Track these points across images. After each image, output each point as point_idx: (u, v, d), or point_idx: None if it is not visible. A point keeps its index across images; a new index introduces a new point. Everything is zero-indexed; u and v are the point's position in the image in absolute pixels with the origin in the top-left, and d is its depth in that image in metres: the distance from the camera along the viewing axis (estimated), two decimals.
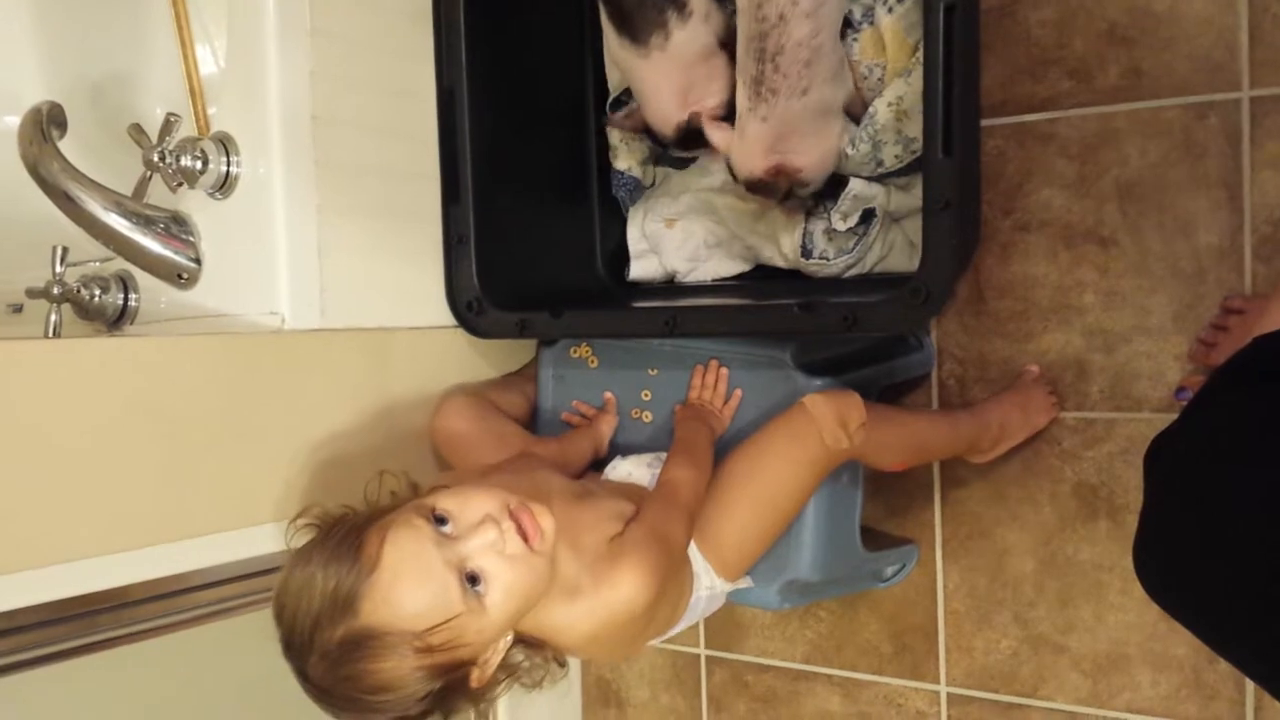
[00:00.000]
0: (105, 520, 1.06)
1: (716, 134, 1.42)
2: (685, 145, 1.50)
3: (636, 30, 1.41)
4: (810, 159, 1.39)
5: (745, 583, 1.30)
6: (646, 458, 1.33)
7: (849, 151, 1.41)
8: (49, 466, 1.02)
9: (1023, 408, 1.46)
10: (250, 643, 1.22)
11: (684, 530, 1.19)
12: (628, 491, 1.26)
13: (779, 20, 1.28)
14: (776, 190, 1.40)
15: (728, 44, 1.43)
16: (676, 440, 1.32)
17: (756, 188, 1.41)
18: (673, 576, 1.15)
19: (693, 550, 1.22)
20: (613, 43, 1.46)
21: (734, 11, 1.37)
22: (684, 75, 1.42)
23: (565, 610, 1.06)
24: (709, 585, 1.23)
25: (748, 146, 1.38)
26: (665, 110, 1.46)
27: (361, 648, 0.93)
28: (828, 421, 1.22)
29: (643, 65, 1.43)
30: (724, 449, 1.31)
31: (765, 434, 1.26)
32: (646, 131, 1.53)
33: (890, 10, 1.36)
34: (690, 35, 1.40)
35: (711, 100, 1.44)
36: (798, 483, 1.24)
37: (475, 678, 1.00)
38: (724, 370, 1.38)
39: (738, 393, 1.37)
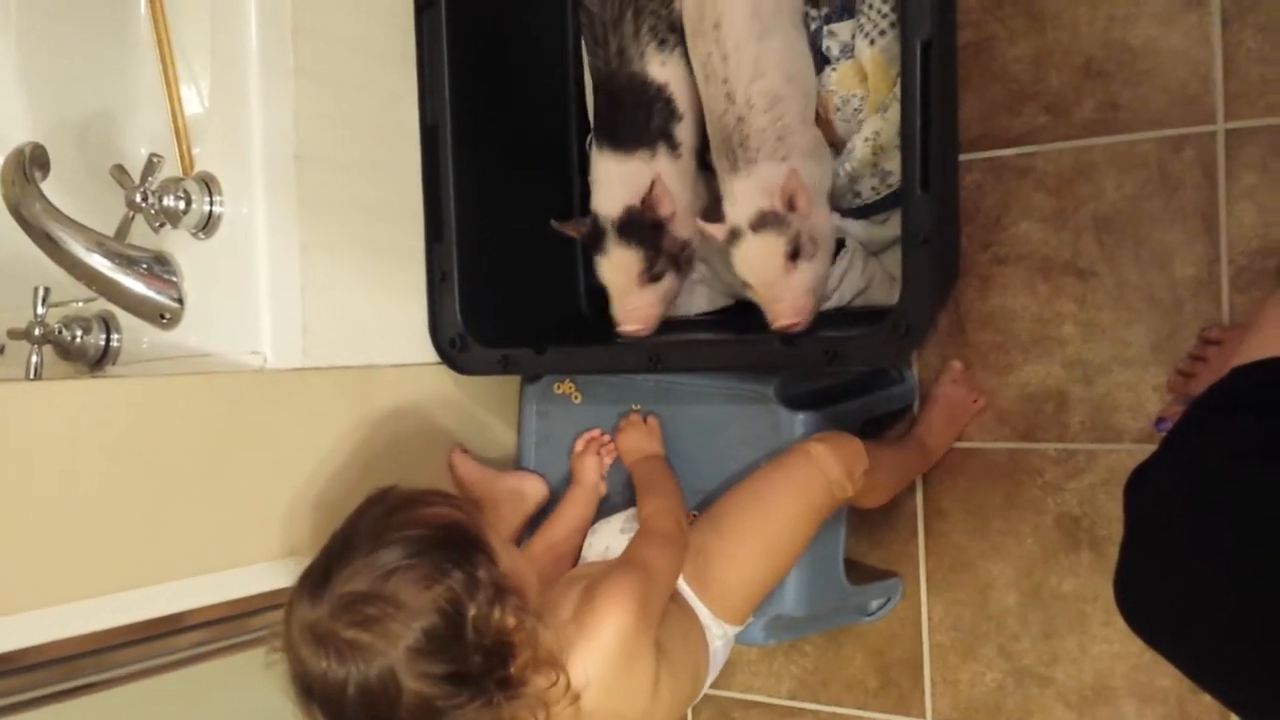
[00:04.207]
0: (88, 563, 1.05)
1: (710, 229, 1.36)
2: (625, 231, 1.39)
3: (621, 142, 1.40)
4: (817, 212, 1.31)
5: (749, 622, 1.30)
6: (617, 522, 1.34)
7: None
8: (30, 510, 1.01)
9: (947, 417, 1.49)
10: (237, 686, 1.21)
11: (664, 556, 1.16)
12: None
13: (738, 122, 1.31)
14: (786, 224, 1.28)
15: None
16: (636, 482, 1.33)
17: (762, 223, 1.29)
18: (659, 603, 1.12)
19: (696, 603, 1.21)
20: (597, 141, 1.44)
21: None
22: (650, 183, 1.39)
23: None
24: (721, 634, 1.23)
25: (737, 202, 1.31)
26: (617, 197, 1.40)
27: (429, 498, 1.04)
28: (835, 473, 1.24)
29: (615, 165, 1.41)
30: (711, 485, 1.32)
31: (766, 482, 1.25)
32: (590, 230, 1.43)
33: (872, 43, 1.37)
34: (675, 170, 1.41)
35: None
36: (804, 531, 1.24)
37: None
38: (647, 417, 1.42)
39: (652, 418, 1.41)
